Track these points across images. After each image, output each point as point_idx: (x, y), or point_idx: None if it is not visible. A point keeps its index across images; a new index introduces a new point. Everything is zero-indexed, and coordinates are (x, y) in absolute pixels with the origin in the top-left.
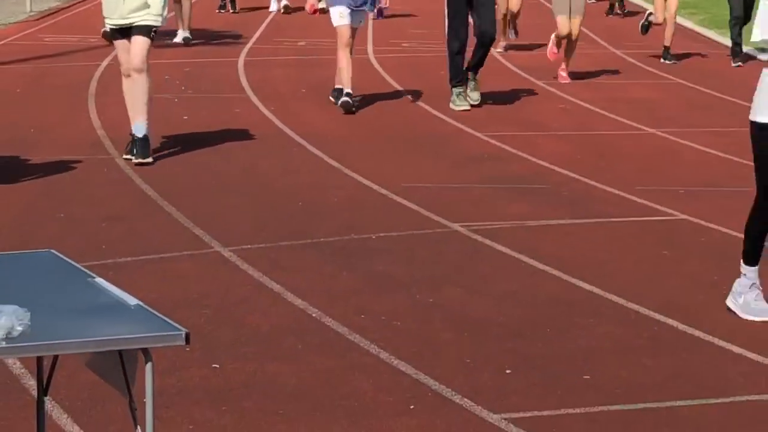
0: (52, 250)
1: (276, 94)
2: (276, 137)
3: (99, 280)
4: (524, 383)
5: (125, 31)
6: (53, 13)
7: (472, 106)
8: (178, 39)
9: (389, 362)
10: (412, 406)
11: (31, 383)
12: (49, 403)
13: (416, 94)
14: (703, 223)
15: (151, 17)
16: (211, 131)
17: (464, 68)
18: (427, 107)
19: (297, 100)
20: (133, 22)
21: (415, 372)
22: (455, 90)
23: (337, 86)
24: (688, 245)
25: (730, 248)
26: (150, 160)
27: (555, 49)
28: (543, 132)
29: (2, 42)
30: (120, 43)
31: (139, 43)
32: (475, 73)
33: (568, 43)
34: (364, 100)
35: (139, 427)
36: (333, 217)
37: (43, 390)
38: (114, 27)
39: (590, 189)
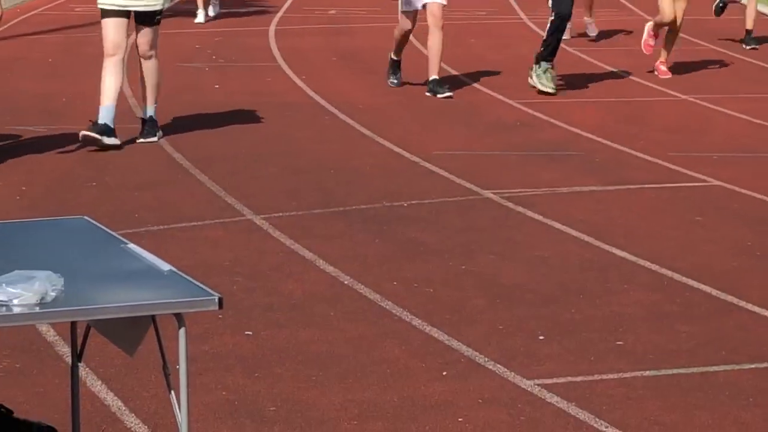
0: (86, 217)
1: (307, 62)
2: (307, 106)
3: (132, 246)
4: (557, 349)
5: (121, 12)
6: None
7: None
8: (199, 19)
9: (422, 329)
10: (444, 372)
11: (65, 350)
12: (82, 370)
13: (448, 62)
14: (736, 189)
15: (153, 1)
16: (243, 100)
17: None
18: (458, 74)
19: (328, 69)
20: (134, 8)
21: (447, 338)
22: (544, 65)
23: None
24: (721, 211)
25: (763, 214)
26: (155, 138)
27: (651, 41)
28: (575, 99)
29: (33, 12)
30: (110, 21)
31: (146, 32)
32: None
33: (669, 33)
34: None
35: (173, 391)
36: (364, 184)
37: (77, 356)
38: (108, 8)
39: (622, 155)
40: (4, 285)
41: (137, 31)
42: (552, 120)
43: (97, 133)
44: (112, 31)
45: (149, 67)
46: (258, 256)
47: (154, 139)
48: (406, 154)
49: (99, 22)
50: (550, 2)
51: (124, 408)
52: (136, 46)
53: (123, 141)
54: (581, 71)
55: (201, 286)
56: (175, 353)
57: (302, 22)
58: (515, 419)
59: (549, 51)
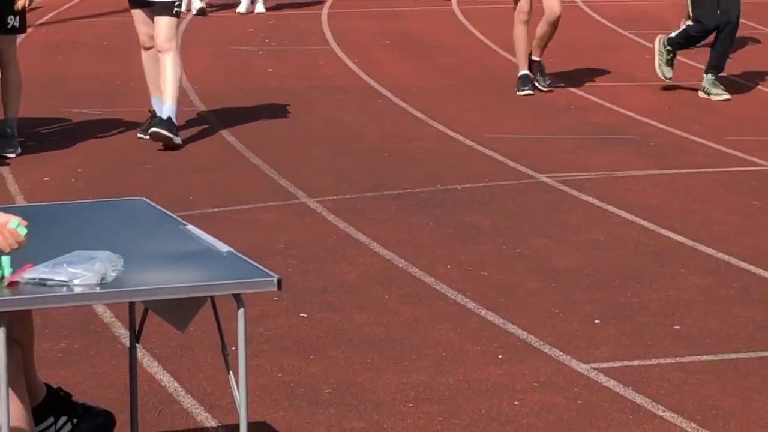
0: (144, 198)
1: (359, 46)
2: (360, 89)
3: (190, 227)
4: (613, 333)
5: (143, 3)
6: None
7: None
8: (241, 8)
9: (476, 312)
10: (500, 356)
11: (122, 331)
12: (139, 351)
13: (501, 45)
14: None
15: None
16: (295, 83)
17: None
18: (511, 58)
19: (380, 52)
20: None
21: (502, 322)
22: (710, 77)
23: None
24: None
25: None
26: (179, 141)
27: None
28: (630, 82)
29: None
30: (136, 13)
31: (163, 23)
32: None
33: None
34: (448, 51)
35: (231, 373)
36: (418, 167)
37: (135, 337)
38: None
39: (678, 139)
40: (64, 265)
41: (155, 25)
42: (606, 103)
43: (166, 130)
44: (142, 23)
45: (167, 63)
46: (312, 239)
47: (179, 141)
48: (460, 138)
49: None
50: (691, 11)
51: (180, 389)
52: (145, 34)
53: (179, 126)
54: (634, 55)
55: (260, 267)
56: (233, 335)
57: (355, 5)
58: (572, 403)
59: (681, 47)
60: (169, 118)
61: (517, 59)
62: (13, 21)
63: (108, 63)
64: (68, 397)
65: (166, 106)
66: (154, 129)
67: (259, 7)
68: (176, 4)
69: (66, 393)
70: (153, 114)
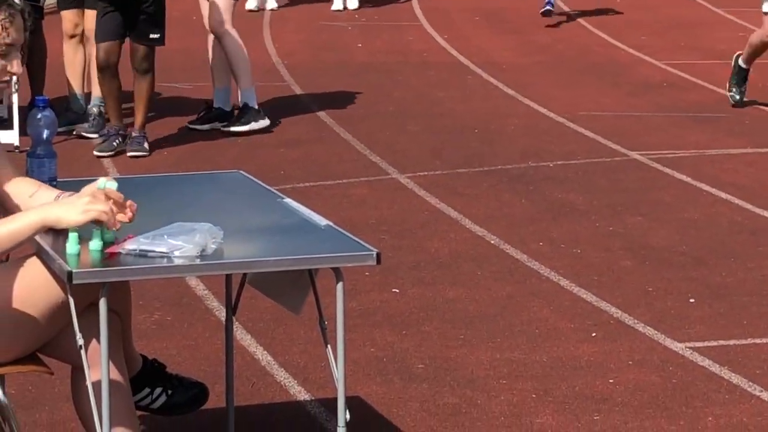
0: (241, 171)
1: (449, 22)
2: (450, 65)
3: (288, 200)
4: (708, 312)
5: None
6: None
7: None
8: (337, 6)
9: (570, 289)
10: (593, 334)
11: (215, 304)
12: (233, 324)
13: (593, 22)
14: None
15: None
16: (386, 59)
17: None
18: (603, 35)
19: (471, 28)
20: None
21: (596, 299)
22: None
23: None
24: None
25: None
26: (262, 124)
27: None
28: (723, 60)
29: None
30: None
31: (215, 5)
32: None
33: None
34: (539, 28)
35: (329, 346)
36: (509, 144)
37: (231, 310)
38: None
39: None
40: (165, 237)
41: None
42: (699, 81)
43: (242, 125)
44: (203, 6)
45: (224, 47)
46: (403, 214)
47: (245, 128)
48: (551, 114)
49: None
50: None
51: (273, 362)
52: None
53: (266, 99)
54: (727, 32)
55: (359, 240)
56: (330, 308)
57: None
58: (667, 382)
59: None
60: (246, 105)
61: None
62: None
63: (197, 38)
64: (163, 368)
65: (243, 91)
66: (233, 128)
67: (271, 3)
68: None
69: (161, 364)
70: (209, 105)
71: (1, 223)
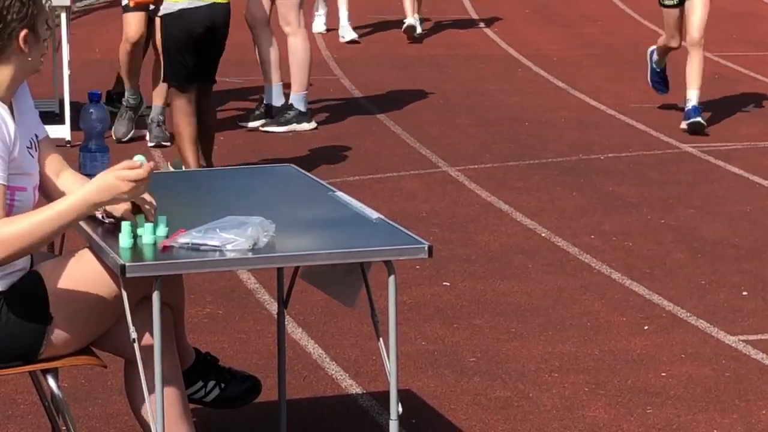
0: (292, 165)
1: (499, 14)
2: (500, 58)
3: (340, 193)
4: (762, 305)
5: None
6: None
7: None
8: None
9: (621, 282)
10: (645, 327)
11: (266, 297)
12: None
13: (643, 14)
14: None
15: None
16: (435, 52)
17: None
18: (654, 27)
19: (520, 21)
20: None
21: (648, 292)
22: None
23: None
24: None
25: None
26: (308, 127)
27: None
28: None
29: None
30: None
31: (281, 4)
32: None
33: None
34: (589, 20)
35: (381, 339)
36: (560, 137)
37: (283, 303)
38: None
39: None
40: (218, 230)
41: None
42: (751, 73)
43: (278, 125)
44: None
45: (289, 46)
46: (454, 207)
47: (288, 128)
48: (602, 107)
49: None
50: None
51: (324, 356)
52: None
53: (315, 93)
54: None
55: (410, 234)
56: (381, 301)
57: None
58: (720, 375)
59: None
60: (291, 105)
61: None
62: None
63: (247, 32)
64: (216, 361)
65: (294, 94)
66: (267, 129)
67: (318, 26)
68: None
69: (213, 357)
70: (261, 101)
71: (45, 207)
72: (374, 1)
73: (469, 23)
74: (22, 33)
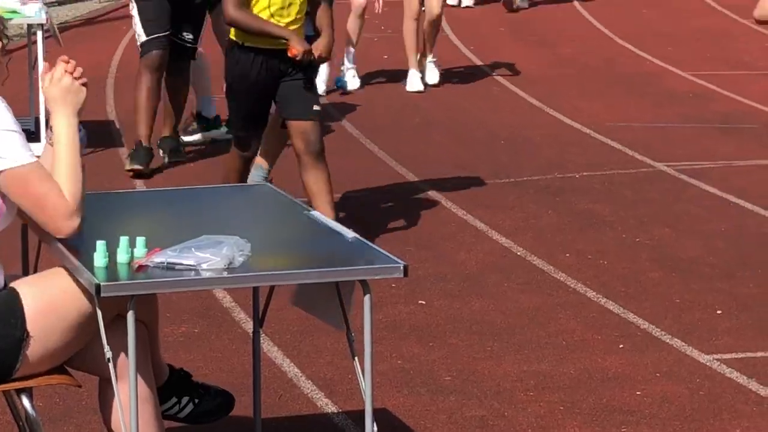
0: (269, 183)
1: (475, 33)
2: (476, 76)
3: (315, 213)
4: (736, 324)
5: None
6: None
7: None
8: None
9: (596, 301)
10: (621, 345)
11: (242, 316)
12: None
13: (618, 33)
14: None
15: None
16: None
17: None
18: (629, 46)
19: (496, 39)
20: None
21: (623, 311)
22: None
23: None
24: None
25: None
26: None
27: None
28: (750, 71)
29: None
30: None
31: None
32: None
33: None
34: (565, 40)
35: (356, 358)
36: (536, 155)
37: (258, 322)
38: None
39: None
40: (193, 249)
41: None
42: (725, 92)
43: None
44: None
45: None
46: (430, 225)
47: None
48: (577, 125)
49: None
50: None
51: (300, 374)
52: None
53: None
54: (754, 43)
55: (386, 253)
56: (357, 320)
57: None
58: (694, 394)
59: None
60: (199, 113)
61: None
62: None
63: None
64: (189, 377)
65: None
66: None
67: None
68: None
69: (186, 373)
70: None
71: (57, 155)
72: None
73: (445, 41)
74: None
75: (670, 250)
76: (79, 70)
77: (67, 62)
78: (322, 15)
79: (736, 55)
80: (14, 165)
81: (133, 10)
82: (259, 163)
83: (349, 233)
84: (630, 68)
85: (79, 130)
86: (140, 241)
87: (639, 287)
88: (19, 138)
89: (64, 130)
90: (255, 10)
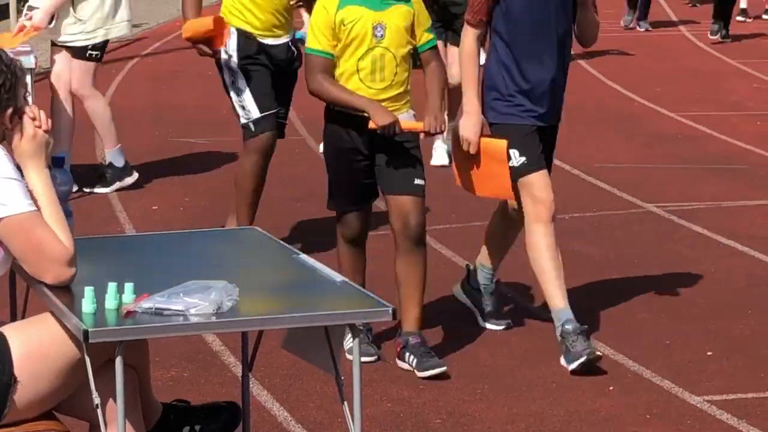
0: (257, 228)
1: None
2: None
3: (303, 256)
4: (727, 365)
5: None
6: None
7: None
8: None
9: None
10: (611, 387)
11: (231, 360)
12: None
13: (607, 74)
14: None
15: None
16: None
17: None
18: (618, 87)
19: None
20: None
21: (613, 353)
22: None
23: None
24: None
25: None
26: (109, 190)
27: None
28: (738, 111)
29: None
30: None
31: (74, 67)
32: None
33: None
34: None
35: (346, 402)
36: None
37: (247, 366)
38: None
39: None
40: (181, 294)
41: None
42: (714, 132)
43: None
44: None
45: (89, 108)
46: None
47: (114, 187)
48: (567, 167)
49: None
50: None
51: (290, 418)
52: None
53: (282, 154)
54: (742, 83)
55: (374, 296)
56: (347, 363)
57: None
58: None
59: None
60: (111, 163)
61: None
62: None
63: (213, 92)
64: (187, 404)
65: (107, 154)
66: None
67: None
68: (89, 47)
69: (183, 402)
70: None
71: (42, 206)
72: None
73: None
74: (9, 111)
75: (660, 291)
76: (45, 119)
77: (34, 118)
78: (430, 78)
79: (725, 96)
80: (14, 212)
81: (239, 82)
82: (483, 261)
83: (338, 277)
84: (619, 109)
85: (65, 174)
86: (128, 286)
87: (629, 329)
88: (18, 186)
89: (43, 181)
90: (342, 79)
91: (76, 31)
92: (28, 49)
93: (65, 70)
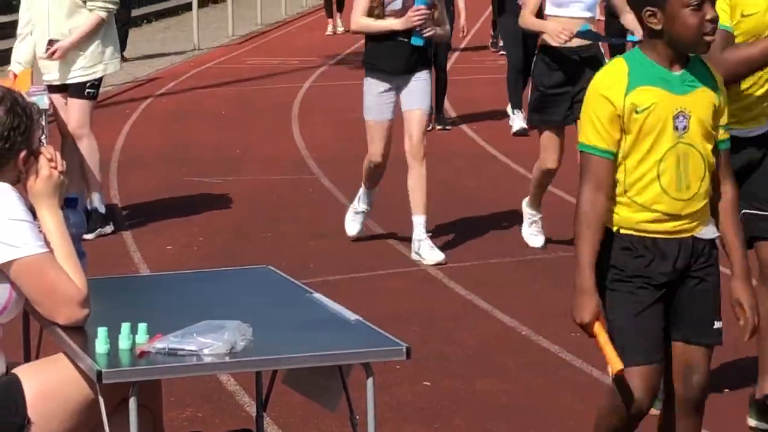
0: (270, 267)
1: (479, 112)
2: (478, 156)
3: (317, 295)
4: (744, 401)
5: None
6: (254, 37)
7: None
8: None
9: (603, 381)
10: None
11: (246, 400)
12: (265, 420)
13: None
14: None
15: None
16: None
17: None
18: None
19: (499, 119)
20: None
21: None
22: None
23: None
24: None
25: None
26: (91, 236)
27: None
28: None
29: (207, 65)
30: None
31: (72, 107)
32: None
33: None
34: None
35: None
36: None
37: (262, 406)
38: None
39: None
40: (194, 335)
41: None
42: None
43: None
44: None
45: (83, 149)
46: (433, 306)
47: (95, 234)
48: None
49: (269, 76)
50: None
51: None
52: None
53: (295, 193)
54: None
55: (388, 335)
56: (361, 402)
57: (474, 71)
58: None
59: None
60: (96, 209)
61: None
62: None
63: (227, 132)
64: None
65: (94, 198)
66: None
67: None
68: (87, 85)
69: None
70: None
71: (55, 247)
72: (353, 100)
73: (443, 120)
74: (23, 153)
75: None
76: (60, 161)
77: (50, 158)
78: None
79: None
80: (27, 254)
81: None
82: None
83: (352, 315)
84: None
85: (78, 215)
86: (142, 327)
87: None
88: (30, 228)
89: (56, 221)
90: (638, 187)
91: (75, 67)
92: (42, 89)
93: (63, 111)
